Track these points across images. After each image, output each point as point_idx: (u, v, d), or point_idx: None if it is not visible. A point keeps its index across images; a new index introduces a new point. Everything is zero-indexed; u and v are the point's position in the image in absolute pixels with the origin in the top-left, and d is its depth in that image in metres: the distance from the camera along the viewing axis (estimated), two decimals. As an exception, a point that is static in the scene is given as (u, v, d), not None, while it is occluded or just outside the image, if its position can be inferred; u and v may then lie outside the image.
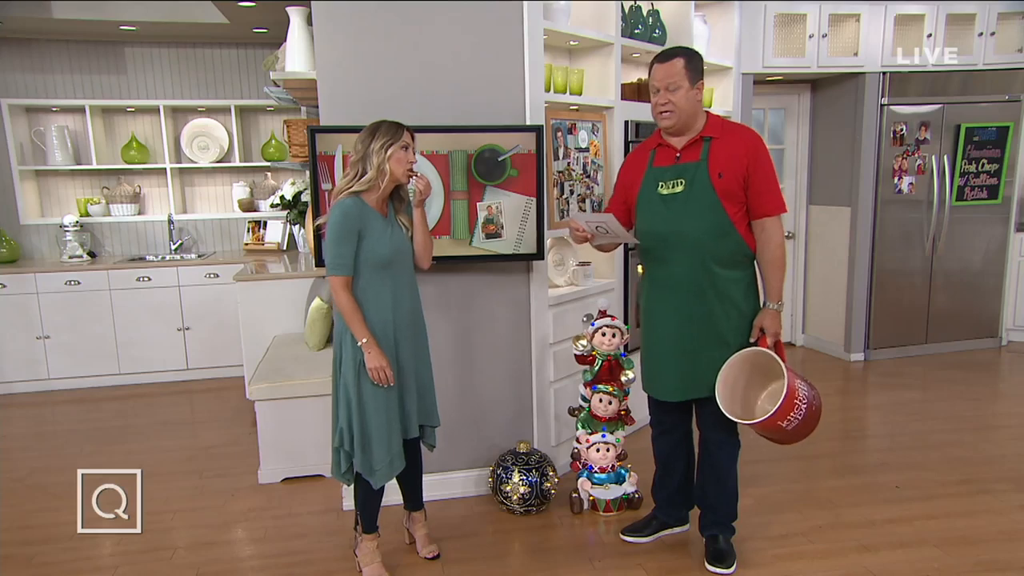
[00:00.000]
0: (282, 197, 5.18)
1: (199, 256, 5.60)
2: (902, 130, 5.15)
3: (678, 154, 2.55)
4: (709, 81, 4.76)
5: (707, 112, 2.59)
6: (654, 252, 2.61)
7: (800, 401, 2.40)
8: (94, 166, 5.44)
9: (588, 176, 3.60)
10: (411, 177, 2.50)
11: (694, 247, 2.50)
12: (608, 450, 3.10)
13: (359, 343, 2.41)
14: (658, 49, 3.93)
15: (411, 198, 2.57)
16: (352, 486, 2.62)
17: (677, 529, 2.92)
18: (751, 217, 2.51)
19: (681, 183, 2.51)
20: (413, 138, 2.50)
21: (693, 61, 2.50)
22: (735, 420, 2.48)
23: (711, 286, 2.51)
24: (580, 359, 3.11)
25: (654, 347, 2.68)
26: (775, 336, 2.51)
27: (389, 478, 2.52)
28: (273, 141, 5.73)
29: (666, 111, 2.49)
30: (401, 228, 2.56)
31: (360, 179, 2.42)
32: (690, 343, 2.56)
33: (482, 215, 3.03)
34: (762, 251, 2.51)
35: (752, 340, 2.53)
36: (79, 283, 5.07)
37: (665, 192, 2.54)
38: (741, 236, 2.50)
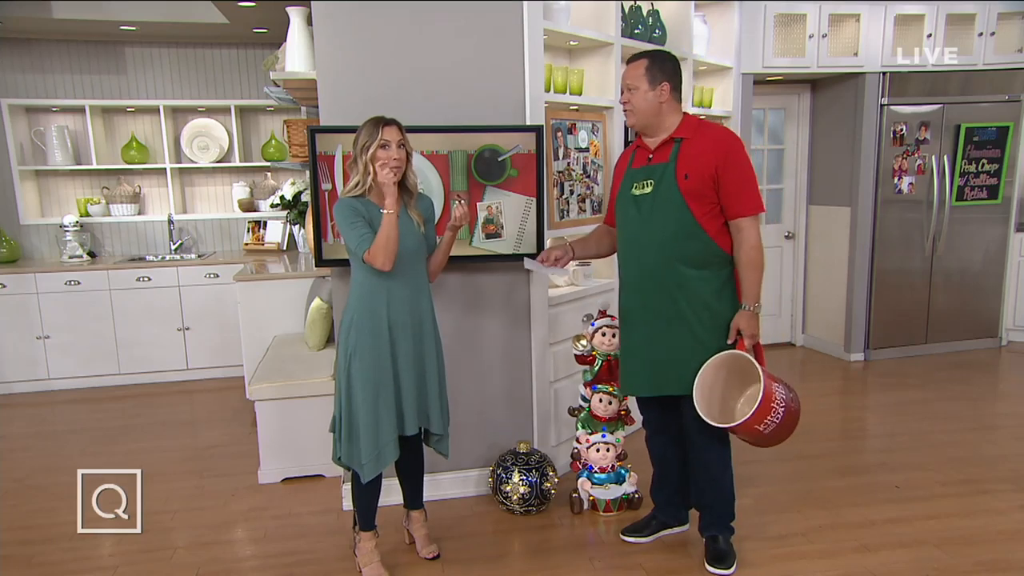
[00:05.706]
0: (282, 197, 5.18)
1: (199, 256, 5.60)
2: (902, 130, 5.15)
3: (650, 155, 2.59)
4: (709, 81, 4.77)
5: (685, 114, 2.59)
6: (627, 252, 2.66)
7: (777, 404, 2.39)
8: (94, 166, 5.44)
9: (588, 176, 3.60)
10: (409, 178, 2.51)
11: (660, 247, 2.53)
12: (608, 450, 3.10)
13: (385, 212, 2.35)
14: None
15: (450, 219, 2.58)
16: (350, 483, 2.63)
17: (677, 529, 2.92)
18: (726, 217, 2.51)
19: (650, 183, 2.55)
20: (402, 130, 2.42)
21: (657, 63, 2.53)
22: (712, 424, 2.47)
23: (678, 286, 2.52)
24: (580, 359, 3.11)
25: (625, 344, 2.73)
26: (752, 338, 2.49)
27: (375, 472, 2.49)
28: (273, 141, 5.73)
29: (626, 110, 2.60)
30: (412, 224, 2.53)
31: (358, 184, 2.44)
32: (660, 340, 2.58)
33: (482, 215, 3.03)
34: (737, 252, 2.51)
35: (730, 342, 2.53)
36: (79, 283, 5.07)
37: (637, 192, 2.59)
38: (710, 237, 2.50)
